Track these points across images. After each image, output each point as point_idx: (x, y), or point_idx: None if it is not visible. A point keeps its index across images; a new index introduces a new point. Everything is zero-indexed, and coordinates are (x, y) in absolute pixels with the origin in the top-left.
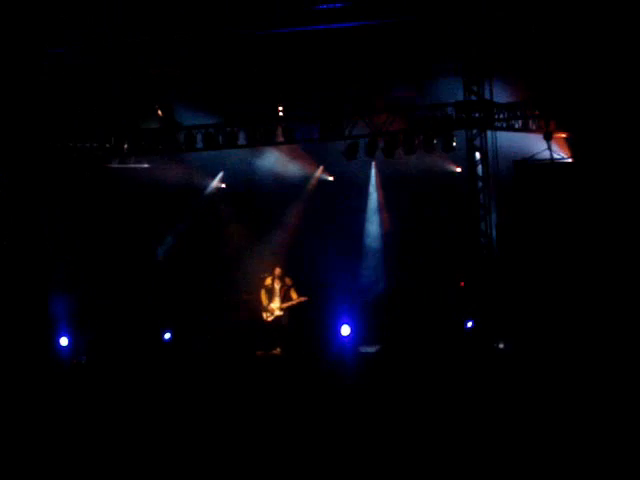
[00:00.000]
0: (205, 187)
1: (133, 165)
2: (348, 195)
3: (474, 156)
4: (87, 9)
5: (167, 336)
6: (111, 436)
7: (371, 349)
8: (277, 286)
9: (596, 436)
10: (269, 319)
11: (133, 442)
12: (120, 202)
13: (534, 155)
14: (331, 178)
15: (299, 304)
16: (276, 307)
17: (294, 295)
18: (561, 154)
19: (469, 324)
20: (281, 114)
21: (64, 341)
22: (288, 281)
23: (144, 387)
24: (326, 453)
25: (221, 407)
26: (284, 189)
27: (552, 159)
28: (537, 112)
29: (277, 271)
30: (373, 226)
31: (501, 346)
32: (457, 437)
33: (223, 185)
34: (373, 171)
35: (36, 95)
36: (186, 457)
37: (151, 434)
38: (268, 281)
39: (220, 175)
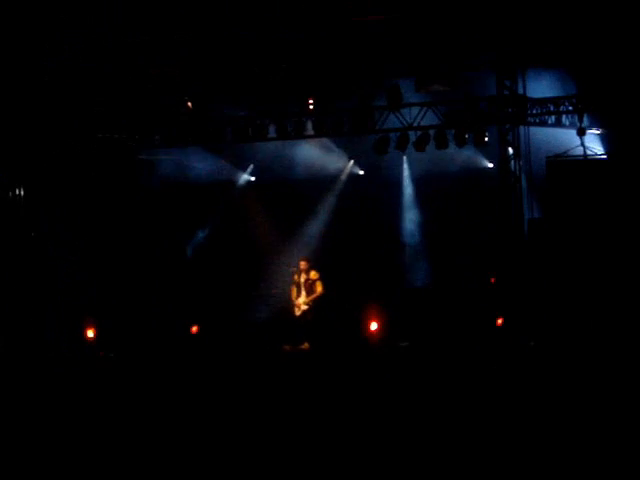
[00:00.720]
0: (235, 180)
1: (163, 157)
2: (379, 189)
3: (507, 151)
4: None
5: (195, 329)
6: (136, 429)
7: (402, 344)
8: (302, 280)
9: (622, 434)
10: (297, 314)
11: (159, 435)
12: (149, 194)
13: (567, 151)
14: (361, 172)
15: (320, 297)
16: (302, 302)
17: (319, 288)
18: (594, 150)
19: (499, 321)
20: (311, 107)
21: (91, 333)
22: (314, 274)
23: (171, 381)
24: (352, 447)
25: (246, 402)
26: (314, 183)
27: (585, 155)
28: (570, 108)
29: (302, 264)
30: (405, 221)
31: (532, 344)
32: (482, 434)
33: (253, 178)
34: (405, 166)
35: (65, 86)
36: (214, 450)
37: (177, 427)
38: (296, 276)
39: (250, 168)
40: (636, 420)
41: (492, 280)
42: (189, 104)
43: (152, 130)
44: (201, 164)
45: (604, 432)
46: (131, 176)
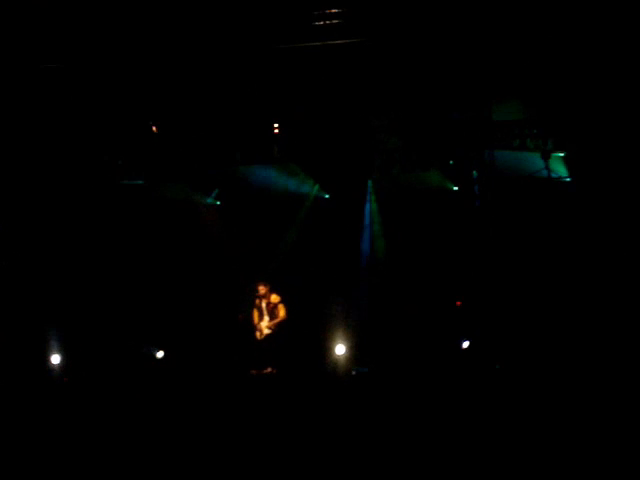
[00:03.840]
0: (202, 204)
1: (127, 182)
2: (344, 213)
3: (472, 174)
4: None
5: (160, 354)
6: (98, 455)
7: (364, 369)
8: (264, 304)
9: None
10: (259, 337)
11: (123, 460)
12: (115, 219)
13: (532, 174)
14: (327, 195)
15: (282, 322)
16: (265, 325)
17: (281, 312)
18: (559, 173)
19: (465, 344)
20: (276, 131)
21: (56, 359)
22: (274, 298)
23: (136, 406)
24: (320, 472)
25: (214, 425)
26: (280, 207)
27: (550, 178)
28: (535, 131)
29: (261, 289)
30: (369, 245)
31: (497, 367)
32: (450, 456)
33: (218, 202)
34: (369, 189)
35: (44, 111)
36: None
37: (143, 452)
38: (257, 300)
39: (215, 192)
40: (604, 440)
41: (458, 303)
42: (154, 128)
43: (116, 155)
44: (167, 188)
45: (572, 453)
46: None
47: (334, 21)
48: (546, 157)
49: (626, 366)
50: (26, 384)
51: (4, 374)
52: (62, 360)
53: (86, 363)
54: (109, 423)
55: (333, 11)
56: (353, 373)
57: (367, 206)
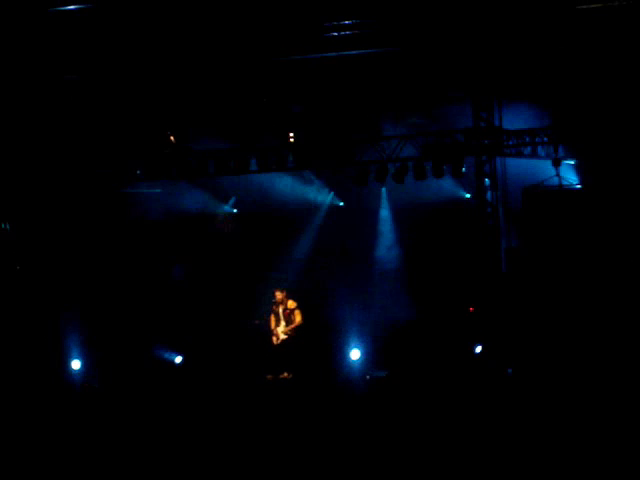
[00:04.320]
0: (218, 212)
1: (146, 190)
2: (358, 221)
3: (483, 182)
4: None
5: (178, 360)
6: (119, 461)
7: (380, 373)
8: (280, 310)
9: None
10: (276, 342)
11: (142, 467)
12: (133, 227)
13: (543, 181)
14: (341, 203)
15: (298, 327)
16: (281, 331)
17: (298, 318)
18: (570, 181)
19: (478, 349)
20: (292, 140)
21: (76, 364)
22: (291, 304)
23: (155, 412)
24: (335, 476)
25: (230, 429)
26: (296, 214)
27: (561, 185)
28: (546, 139)
29: (278, 295)
30: (383, 252)
31: (509, 371)
32: (463, 462)
33: (235, 210)
34: (383, 197)
35: (49, 121)
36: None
37: (160, 459)
38: (274, 306)
39: (232, 200)
40: (615, 445)
41: (470, 309)
42: (172, 138)
43: (134, 164)
44: (185, 197)
45: (582, 460)
46: (114, 210)
47: (347, 32)
48: (557, 164)
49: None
50: (46, 389)
51: (23, 379)
52: (82, 365)
53: (105, 368)
54: (127, 426)
55: (346, 23)
56: (367, 378)
57: (381, 213)
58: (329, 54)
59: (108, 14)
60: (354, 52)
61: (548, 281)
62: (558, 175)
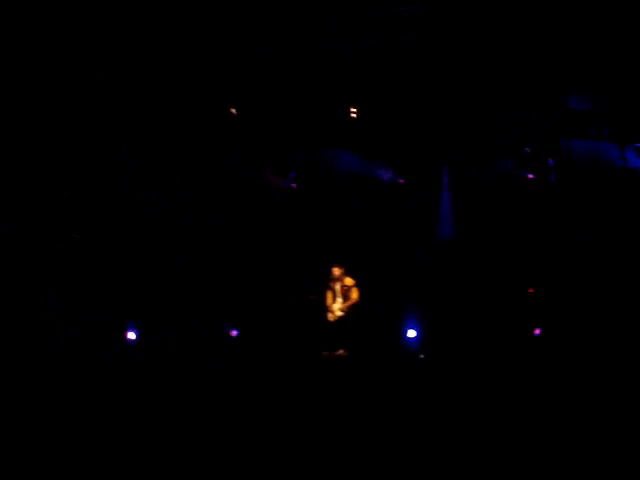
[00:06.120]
0: (279, 187)
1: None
2: (419, 199)
3: (547, 163)
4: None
5: (234, 333)
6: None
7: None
8: (337, 286)
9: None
10: (331, 319)
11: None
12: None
13: (608, 164)
14: (402, 181)
15: (355, 305)
16: (337, 308)
17: (354, 295)
18: (635, 164)
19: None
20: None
21: (131, 335)
22: (349, 281)
23: (208, 385)
24: (388, 454)
25: (284, 405)
26: (355, 190)
27: (626, 168)
28: (612, 120)
29: (336, 271)
30: (444, 231)
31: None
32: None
33: (294, 185)
34: (445, 175)
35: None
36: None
37: (211, 432)
38: (332, 282)
39: (292, 175)
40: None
41: (530, 290)
42: (233, 110)
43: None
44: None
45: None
46: None
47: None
48: (622, 147)
49: None
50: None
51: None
52: (138, 336)
53: (162, 342)
54: (180, 399)
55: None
56: (421, 357)
57: (443, 193)
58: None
59: None
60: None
61: (609, 265)
62: (623, 158)
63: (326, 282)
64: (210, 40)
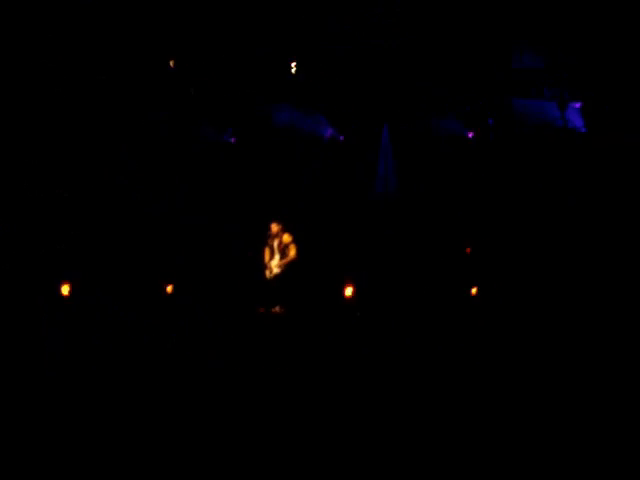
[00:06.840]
0: (216, 141)
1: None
2: (358, 156)
3: (487, 122)
4: None
5: (170, 289)
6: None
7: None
8: (275, 243)
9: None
10: (269, 276)
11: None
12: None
13: (547, 123)
14: (342, 137)
15: (294, 261)
16: (275, 264)
17: (292, 252)
18: (575, 124)
19: (474, 290)
20: (293, 71)
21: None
22: (287, 238)
23: (143, 339)
24: (321, 413)
25: (220, 361)
26: (294, 146)
27: (565, 128)
28: (553, 80)
29: (273, 228)
30: (381, 187)
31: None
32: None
33: (232, 140)
34: (385, 133)
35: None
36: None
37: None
38: (269, 239)
39: (229, 130)
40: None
41: (467, 250)
42: (171, 63)
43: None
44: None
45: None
46: None
47: None
48: (563, 107)
49: None
50: None
51: None
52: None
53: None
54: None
55: None
56: (358, 315)
57: (382, 150)
58: None
59: None
60: None
61: (548, 224)
62: (563, 118)
63: (264, 239)
64: None
